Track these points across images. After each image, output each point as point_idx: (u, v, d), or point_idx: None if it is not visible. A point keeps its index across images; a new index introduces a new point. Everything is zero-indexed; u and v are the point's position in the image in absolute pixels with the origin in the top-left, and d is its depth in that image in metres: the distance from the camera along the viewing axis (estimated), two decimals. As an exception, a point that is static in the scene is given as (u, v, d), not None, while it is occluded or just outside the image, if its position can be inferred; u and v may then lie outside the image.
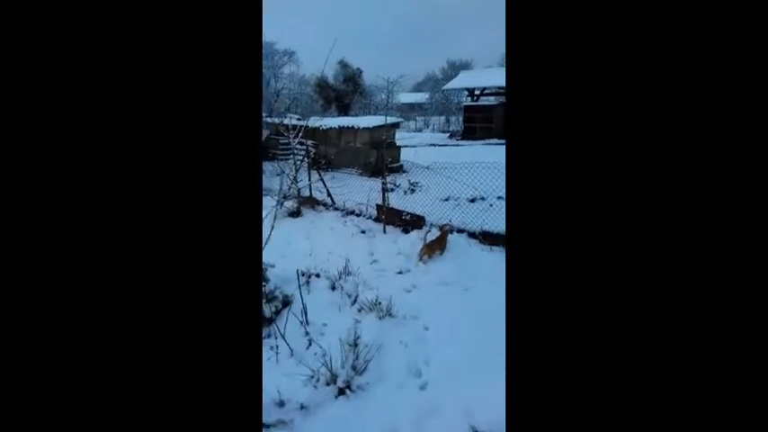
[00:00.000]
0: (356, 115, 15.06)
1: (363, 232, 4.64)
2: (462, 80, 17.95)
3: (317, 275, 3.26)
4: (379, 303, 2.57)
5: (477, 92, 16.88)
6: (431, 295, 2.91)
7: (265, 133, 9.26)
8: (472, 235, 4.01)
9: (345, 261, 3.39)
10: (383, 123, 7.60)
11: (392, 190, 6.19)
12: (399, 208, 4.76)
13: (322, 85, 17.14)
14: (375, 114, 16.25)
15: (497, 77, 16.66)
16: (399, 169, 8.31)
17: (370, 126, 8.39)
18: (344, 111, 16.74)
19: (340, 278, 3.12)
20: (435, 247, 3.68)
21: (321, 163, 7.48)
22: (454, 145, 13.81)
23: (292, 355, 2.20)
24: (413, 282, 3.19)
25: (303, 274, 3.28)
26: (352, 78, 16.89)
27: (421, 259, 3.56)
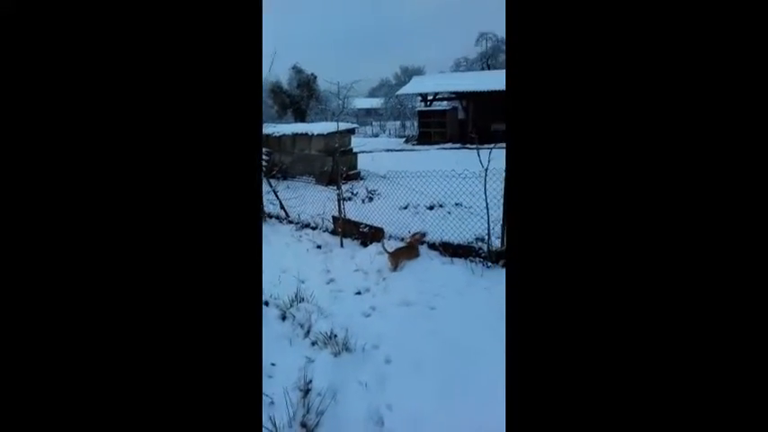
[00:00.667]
0: (313, 121, 14.61)
1: (319, 247, 4.32)
2: (415, 86, 18.14)
3: (266, 304, 2.90)
4: (335, 336, 2.29)
5: (429, 97, 17.13)
6: (392, 319, 2.67)
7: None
8: (432, 246, 3.85)
9: (298, 284, 3.07)
10: (338, 129, 7.36)
11: (349, 199, 5.93)
12: (357, 219, 4.50)
13: (276, 91, 16.49)
14: (332, 120, 15.87)
15: (449, 83, 17.05)
16: (356, 177, 8.06)
17: (325, 133, 8.05)
18: (301, 117, 16.23)
19: (291, 306, 2.79)
20: (404, 255, 3.50)
21: (274, 172, 7.03)
22: (410, 150, 13.84)
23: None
24: (372, 303, 2.93)
25: (249, 303, 2.92)
26: (306, 84, 16.44)
27: (395, 269, 3.41)
